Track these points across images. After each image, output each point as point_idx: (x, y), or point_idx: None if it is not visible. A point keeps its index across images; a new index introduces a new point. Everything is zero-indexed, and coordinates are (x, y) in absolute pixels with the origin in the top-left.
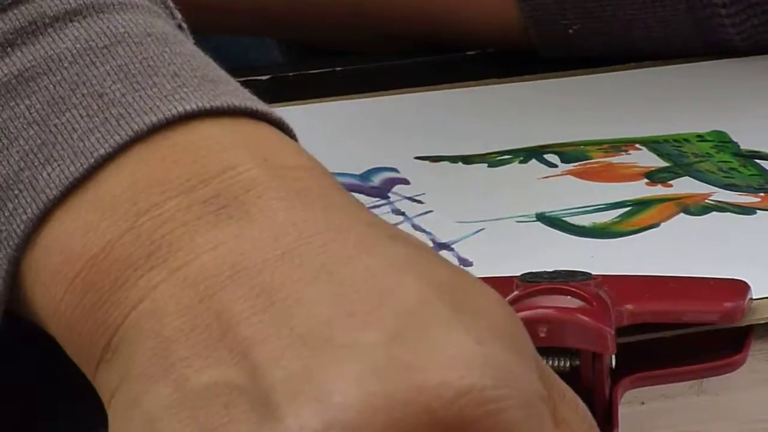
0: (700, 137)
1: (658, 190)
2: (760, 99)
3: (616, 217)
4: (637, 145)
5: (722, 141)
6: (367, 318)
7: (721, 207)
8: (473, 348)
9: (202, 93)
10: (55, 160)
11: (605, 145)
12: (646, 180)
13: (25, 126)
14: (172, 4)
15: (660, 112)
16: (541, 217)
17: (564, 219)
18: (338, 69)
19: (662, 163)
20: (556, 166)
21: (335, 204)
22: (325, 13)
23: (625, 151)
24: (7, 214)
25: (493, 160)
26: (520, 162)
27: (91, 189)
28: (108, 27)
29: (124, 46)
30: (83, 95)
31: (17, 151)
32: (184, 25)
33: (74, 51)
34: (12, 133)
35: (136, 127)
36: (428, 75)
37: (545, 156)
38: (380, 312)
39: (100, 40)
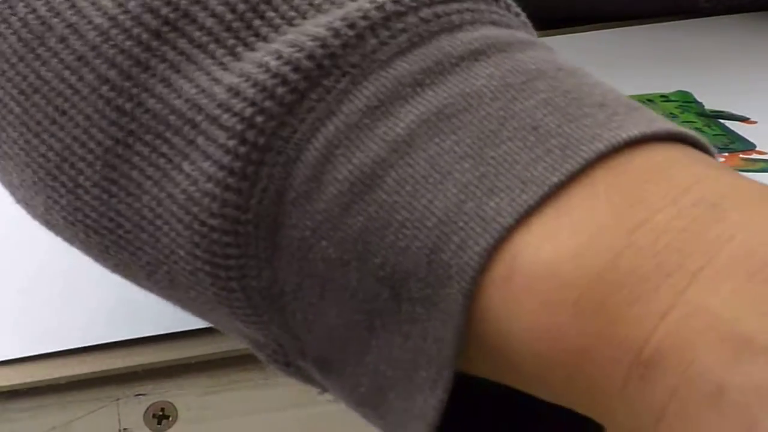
0: (665, 97)
1: None
2: (724, 59)
3: None
4: None
5: (687, 101)
6: None
7: None
8: None
9: (635, 120)
10: (502, 191)
11: None
12: None
13: (457, 160)
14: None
15: (624, 73)
16: None
17: None
18: None
19: None
20: None
21: None
22: None
23: None
24: (453, 247)
25: None
26: None
27: (553, 216)
28: (518, 65)
29: (541, 81)
30: (515, 129)
31: (453, 185)
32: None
33: (491, 88)
34: (443, 167)
35: (585, 155)
36: None
37: None
38: None
39: (514, 78)
